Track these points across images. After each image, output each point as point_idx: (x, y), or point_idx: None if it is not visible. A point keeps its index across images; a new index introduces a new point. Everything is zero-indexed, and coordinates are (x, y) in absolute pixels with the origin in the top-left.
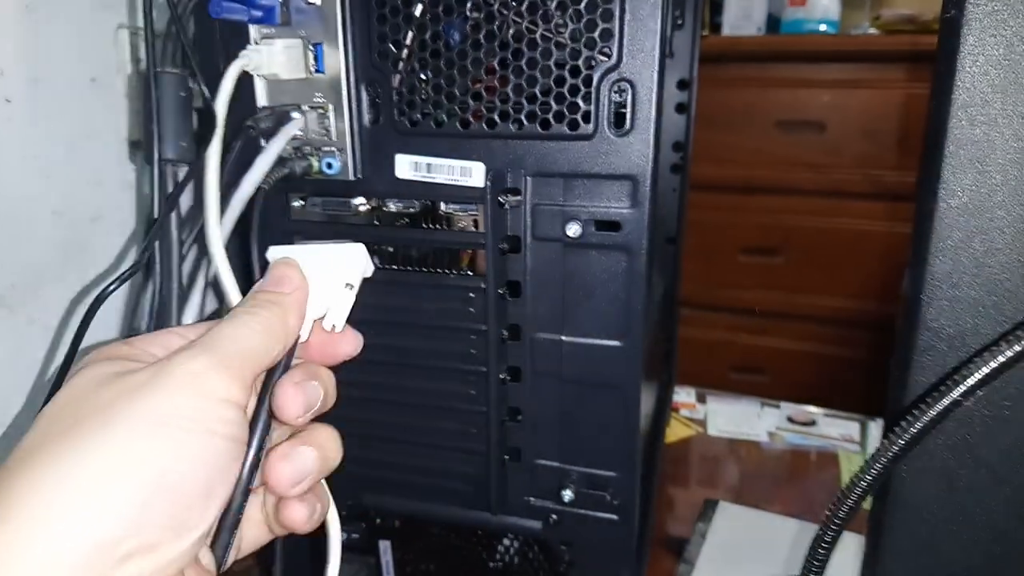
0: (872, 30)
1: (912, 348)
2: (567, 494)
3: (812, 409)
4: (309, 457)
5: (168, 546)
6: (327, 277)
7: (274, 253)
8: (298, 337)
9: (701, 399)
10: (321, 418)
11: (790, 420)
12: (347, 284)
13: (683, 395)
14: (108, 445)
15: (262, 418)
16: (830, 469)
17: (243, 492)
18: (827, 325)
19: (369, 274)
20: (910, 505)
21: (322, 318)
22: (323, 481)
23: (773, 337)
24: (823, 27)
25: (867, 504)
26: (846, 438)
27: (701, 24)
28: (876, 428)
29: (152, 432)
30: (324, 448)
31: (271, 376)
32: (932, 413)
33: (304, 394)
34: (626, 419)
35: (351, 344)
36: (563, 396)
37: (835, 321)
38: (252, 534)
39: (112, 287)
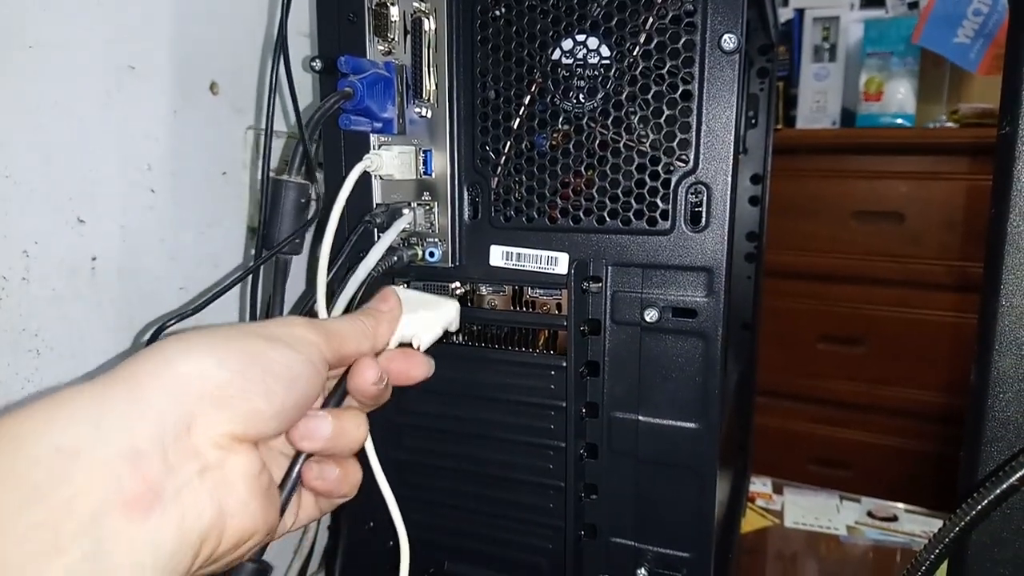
0: (950, 123)
1: (979, 438)
2: (641, 573)
3: (893, 504)
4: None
5: (258, 401)
6: (421, 313)
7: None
8: (386, 345)
9: (778, 490)
10: (415, 482)
11: (870, 515)
12: (436, 324)
13: (759, 485)
14: (221, 334)
15: (341, 387)
16: None
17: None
18: (912, 418)
19: (453, 328)
20: None
21: (409, 343)
22: (355, 459)
23: (855, 430)
24: (899, 121)
25: None
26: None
27: (775, 119)
28: None
29: (256, 337)
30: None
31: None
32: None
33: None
34: (701, 500)
35: (423, 368)
36: (639, 475)
37: (920, 415)
38: (304, 503)
39: (173, 321)
